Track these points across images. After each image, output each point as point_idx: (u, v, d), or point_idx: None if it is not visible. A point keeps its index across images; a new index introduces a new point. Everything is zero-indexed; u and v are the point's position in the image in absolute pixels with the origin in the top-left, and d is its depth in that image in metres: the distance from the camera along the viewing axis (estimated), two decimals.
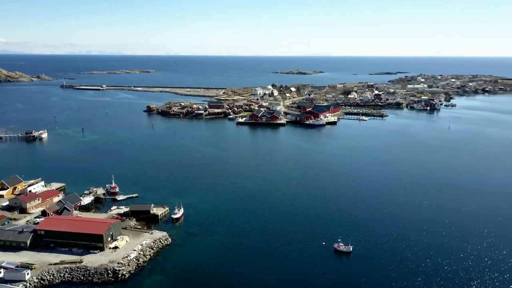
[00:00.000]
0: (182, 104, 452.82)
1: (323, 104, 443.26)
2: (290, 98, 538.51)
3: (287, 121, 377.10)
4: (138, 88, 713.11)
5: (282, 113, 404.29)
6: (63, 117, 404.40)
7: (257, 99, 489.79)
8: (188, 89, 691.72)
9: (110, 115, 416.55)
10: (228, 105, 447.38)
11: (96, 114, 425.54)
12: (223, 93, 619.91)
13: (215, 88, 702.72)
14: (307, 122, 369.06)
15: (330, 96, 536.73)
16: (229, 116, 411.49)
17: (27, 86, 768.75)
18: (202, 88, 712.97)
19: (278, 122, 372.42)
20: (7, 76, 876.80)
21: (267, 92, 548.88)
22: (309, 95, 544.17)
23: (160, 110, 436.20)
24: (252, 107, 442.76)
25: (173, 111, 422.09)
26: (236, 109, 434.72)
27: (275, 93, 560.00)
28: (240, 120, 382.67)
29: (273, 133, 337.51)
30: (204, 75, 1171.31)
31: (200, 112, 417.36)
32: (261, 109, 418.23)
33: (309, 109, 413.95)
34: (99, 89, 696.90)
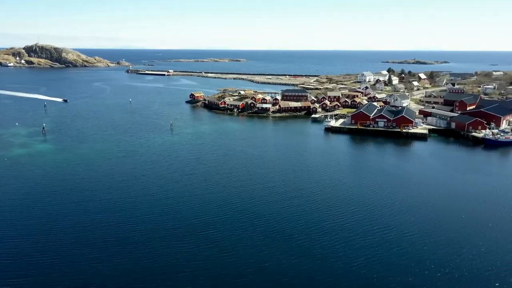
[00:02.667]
0: (242, 93, 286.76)
1: (496, 100, 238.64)
2: (419, 89, 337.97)
3: (431, 130, 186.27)
4: (209, 75, 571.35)
5: (417, 113, 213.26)
6: (65, 106, 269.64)
7: (366, 88, 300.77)
8: (269, 77, 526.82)
9: (130, 107, 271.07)
10: (315, 97, 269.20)
11: (116, 103, 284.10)
12: (315, 80, 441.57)
13: (305, 76, 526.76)
14: (477, 135, 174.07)
15: (490, 87, 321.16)
16: (313, 115, 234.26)
17: (95, 70, 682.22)
18: (288, 75, 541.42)
19: (412, 131, 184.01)
20: (84, 61, 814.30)
21: (381, 79, 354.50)
22: (454, 84, 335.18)
23: (207, 102, 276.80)
24: (357, 100, 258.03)
25: (224, 103, 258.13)
26: (328, 102, 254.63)
27: (395, 80, 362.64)
28: (332, 123, 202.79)
29: (408, 162, 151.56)
30: (298, 64, 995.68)
31: (265, 106, 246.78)
32: (375, 104, 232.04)
33: (472, 106, 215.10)
34: (164, 75, 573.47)
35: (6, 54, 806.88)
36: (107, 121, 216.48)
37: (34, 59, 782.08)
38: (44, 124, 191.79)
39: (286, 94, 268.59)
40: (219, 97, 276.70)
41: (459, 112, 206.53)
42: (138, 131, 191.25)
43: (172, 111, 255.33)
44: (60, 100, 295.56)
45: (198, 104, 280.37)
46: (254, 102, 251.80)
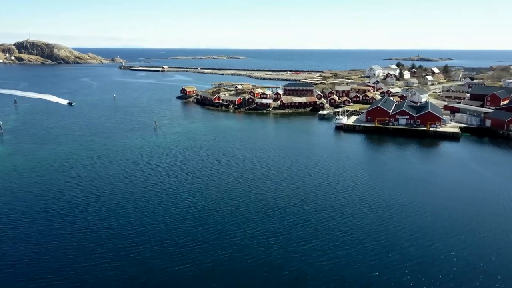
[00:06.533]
0: (239, 87, 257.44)
1: None
2: (434, 84, 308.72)
3: (461, 128, 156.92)
4: (206, 70, 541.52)
5: (442, 108, 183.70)
6: (37, 104, 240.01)
7: (376, 82, 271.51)
8: (269, 72, 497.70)
9: (113, 104, 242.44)
10: (321, 92, 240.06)
11: (99, 99, 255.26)
12: (319, 75, 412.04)
13: (307, 71, 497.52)
14: None
15: None
16: (320, 112, 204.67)
17: (86, 67, 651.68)
18: (289, 71, 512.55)
19: (441, 130, 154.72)
20: (77, 57, 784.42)
21: (392, 73, 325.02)
22: (472, 78, 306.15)
23: (200, 97, 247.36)
24: (369, 95, 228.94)
25: (219, 99, 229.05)
26: (336, 97, 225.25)
27: (406, 75, 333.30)
28: (345, 120, 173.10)
29: (443, 167, 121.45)
30: (299, 61, 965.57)
31: (265, 102, 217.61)
32: (391, 99, 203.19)
33: (506, 101, 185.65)
34: (158, 71, 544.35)
35: None
36: (82, 119, 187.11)
37: (25, 56, 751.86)
38: (0, 122, 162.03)
39: (289, 88, 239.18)
40: (213, 92, 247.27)
41: (492, 107, 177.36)
42: (116, 131, 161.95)
43: (161, 107, 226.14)
44: (64, 102, 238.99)
45: (190, 100, 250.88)
46: (253, 97, 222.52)
